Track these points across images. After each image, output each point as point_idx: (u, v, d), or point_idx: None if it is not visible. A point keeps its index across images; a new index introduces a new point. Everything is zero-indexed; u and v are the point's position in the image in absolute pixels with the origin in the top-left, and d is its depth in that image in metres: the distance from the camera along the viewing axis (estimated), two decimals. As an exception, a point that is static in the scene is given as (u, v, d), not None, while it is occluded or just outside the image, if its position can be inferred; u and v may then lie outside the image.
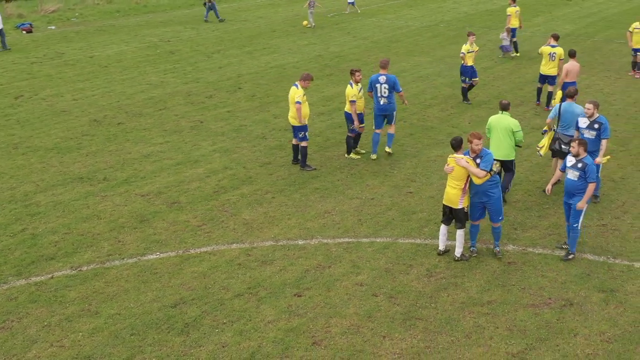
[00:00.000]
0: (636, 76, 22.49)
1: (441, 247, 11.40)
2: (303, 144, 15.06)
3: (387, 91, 15.28)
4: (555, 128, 13.55)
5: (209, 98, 21.06)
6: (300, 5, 39.18)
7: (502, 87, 21.87)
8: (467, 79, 19.77)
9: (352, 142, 15.81)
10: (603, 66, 24.63)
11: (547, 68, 19.17)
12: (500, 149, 12.85)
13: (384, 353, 8.95)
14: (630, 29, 22.61)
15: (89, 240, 12.07)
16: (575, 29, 32.19)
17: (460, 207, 10.93)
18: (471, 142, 10.71)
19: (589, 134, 12.56)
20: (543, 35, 30.09)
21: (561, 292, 10.27)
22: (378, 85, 15.33)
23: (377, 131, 15.65)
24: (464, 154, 10.87)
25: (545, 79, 19.39)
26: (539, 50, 19.74)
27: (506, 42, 26.12)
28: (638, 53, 22.54)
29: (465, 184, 10.83)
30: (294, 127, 15.05)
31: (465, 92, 20.00)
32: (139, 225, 12.62)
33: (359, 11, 38.29)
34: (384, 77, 15.30)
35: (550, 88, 19.21)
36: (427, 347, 9.05)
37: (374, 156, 15.76)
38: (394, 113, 15.62)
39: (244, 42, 30.29)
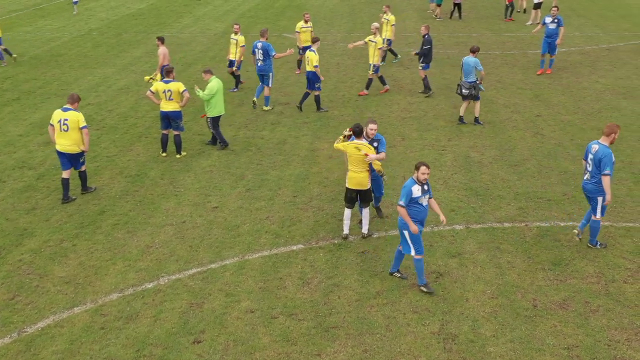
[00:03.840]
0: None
1: (346, 231, 11.97)
2: (83, 169, 13.81)
3: (262, 55, 19.02)
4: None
5: None
6: None
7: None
8: (319, 85, 19.09)
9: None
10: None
11: (233, 54, 20.84)
12: (224, 105, 16.39)
13: (333, 370, 8.67)
14: (297, 29, 23.70)
15: None
16: (226, 26, 33.49)
17: (368, 187, 11.74)
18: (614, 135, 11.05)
19: None
20: (201, 34, 30.82)
21: (424, 266, 11.05)
22: (256, 50, 19.13)
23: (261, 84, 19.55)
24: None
25: (232, 63, 20.88)
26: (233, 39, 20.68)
27: None
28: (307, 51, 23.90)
29: (369, 166, 11.65)
30: (73, 155, 13.48)
31: (318, 99, 19.35)
32: None
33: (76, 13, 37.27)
34: (260, 44, 19.09)
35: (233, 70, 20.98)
36: (365, 350, 9.02)
37: (255, 99, 19.55)
38: (270, 74, 19.18)
39: None
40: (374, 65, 20.41)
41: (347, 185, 11.84)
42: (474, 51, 17.84)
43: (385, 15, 24.34)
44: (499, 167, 15.03)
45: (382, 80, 21.00)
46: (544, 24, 22.29)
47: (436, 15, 34.81)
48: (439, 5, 34.72)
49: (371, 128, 11.76)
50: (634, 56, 25.49)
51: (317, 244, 11.87)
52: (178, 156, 15.86)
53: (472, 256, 11.36)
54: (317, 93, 19.16)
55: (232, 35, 20.89)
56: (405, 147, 16.38)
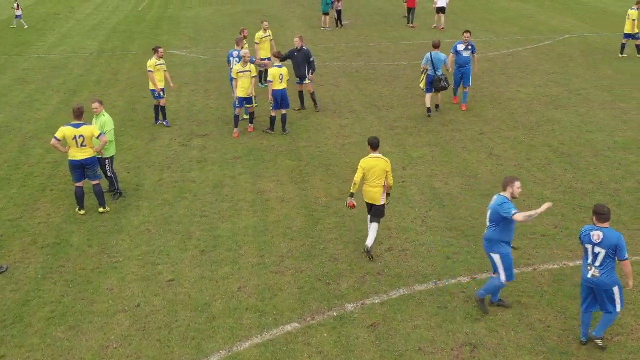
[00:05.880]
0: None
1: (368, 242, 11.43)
2: None
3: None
4: (429, 72, 18.19)
5: None
6: None
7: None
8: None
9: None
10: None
11: (156, 84, 17.85)
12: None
13: None
14: (257, 40, 21.08)
15: None
16: (99, 44, 30.21)
17: (382, 203, 11.25)
18: None
19: None
20: (74, 54, 27.57)
21: (451, 337, 9.40)
22: (232, 59, 18.46)
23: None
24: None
25: (162, 93, 18.10)
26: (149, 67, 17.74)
27: None
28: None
29: (384, 181, 11.14)
30: None
31: (279, 120, 17.93)
32: None
33: (26, 26, 33.80)
34: (237, 53, 18.26)
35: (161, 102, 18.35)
36: None
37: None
38: None
39: None
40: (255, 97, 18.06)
41: (363, 198, 11.53)
42: (438, 46, 18.28)
43: (263, 32, 21.85)
44: (472, 199, 13.69)
45: (251, 116, 17.95)
46: (456, 52, 18.96)
47: (325, 26, 33.45)
48: (326, 14, 33.37)
49: (519, 187, 9.61)
50: (539, 61, 25.40)
51: (313, 319, 9.85)
52: (102, 210, 13.20)
53: (497, 317, 9.83)
54: (285, 112, 17.68)
55: (159, 62, 17.84)
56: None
